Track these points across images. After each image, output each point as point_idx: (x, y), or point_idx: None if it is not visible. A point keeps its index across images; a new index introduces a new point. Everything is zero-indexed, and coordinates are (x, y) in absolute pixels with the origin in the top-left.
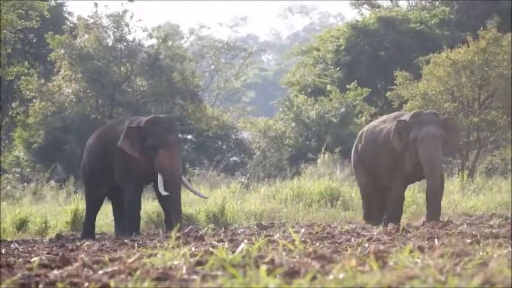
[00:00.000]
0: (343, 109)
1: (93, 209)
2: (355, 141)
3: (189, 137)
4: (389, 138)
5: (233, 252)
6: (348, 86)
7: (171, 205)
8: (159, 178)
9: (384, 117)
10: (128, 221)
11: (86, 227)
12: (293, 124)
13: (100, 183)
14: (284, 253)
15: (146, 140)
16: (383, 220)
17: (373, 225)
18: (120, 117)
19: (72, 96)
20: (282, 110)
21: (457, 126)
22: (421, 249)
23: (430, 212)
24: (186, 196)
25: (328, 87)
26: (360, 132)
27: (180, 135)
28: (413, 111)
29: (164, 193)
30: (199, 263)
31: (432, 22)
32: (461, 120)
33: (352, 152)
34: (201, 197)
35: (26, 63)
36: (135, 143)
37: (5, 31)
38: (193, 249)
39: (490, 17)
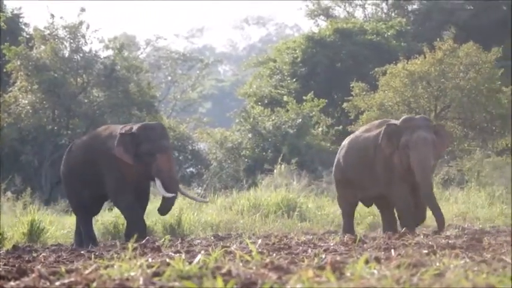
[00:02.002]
0: (300, 120)
1: (83, 212)
2: (337, 156)
3: None
4: (378, 143)
5: (190, 263)
6: (304, 97)
7: (163, 203)
8: (158, 182)
9: (365, 126)
10: (133, 227)
11: (86, 232)
12: (250, 135)
13: (83, 187)
14: (241, 264)
15: (140, 146)
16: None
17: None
18: (104, 126)
19: (28, 107)
20: (238, 121)
21: (446, 133)
22: (377, 260)
23: (436, 218)
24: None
25: (285, 98)
26: (341, 146)
27: None
28: (404, 116)
29: (168, 195)
30: (156, 274)
31: (388, 33)
32: None
33: (334, 168)
34: (201, 202)
35: None
36: (128, 149)
37: None
38: (150, 260)
39: (446, 28)
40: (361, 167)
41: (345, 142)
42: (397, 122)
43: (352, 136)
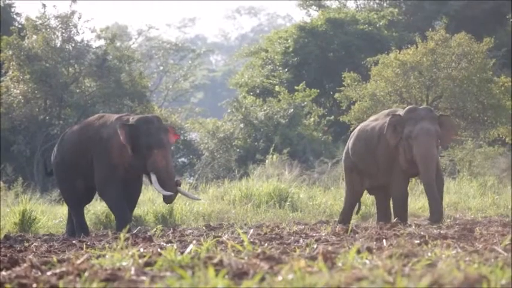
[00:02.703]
0: (292, 110)
1: (75, 202)
2: (347, 145)
3: None
4: (383, 133)
5: (182, 253)
6: (296, 87)
7: (164, 200)
8: (153, 178)
9: (375, 116)
10: (117, 219)
11: (77, 222)
12: (241, 125)
13: (76, 176)
14: (233, 254)
15: (139, 138)
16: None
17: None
18: (98, 114)
19: (20, 97)
20: (230, 111)
21: (451, 123)
22: (369, 250)
23: (431, 210)
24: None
25: (277, 88)
26: (351, 134)
27: None
28: (408, 107)
29: (166, 193)
30: (147, 264)
31: (380, 23)
32: None
33: (343, 155)
34: (194, 199)
35: None
36: (128, 140)
37: None
38: (141, 250)
39: (438, 18)
40: (366, 155)
41: (355, 130)
42: (401, 112)
43: (362, 124)
